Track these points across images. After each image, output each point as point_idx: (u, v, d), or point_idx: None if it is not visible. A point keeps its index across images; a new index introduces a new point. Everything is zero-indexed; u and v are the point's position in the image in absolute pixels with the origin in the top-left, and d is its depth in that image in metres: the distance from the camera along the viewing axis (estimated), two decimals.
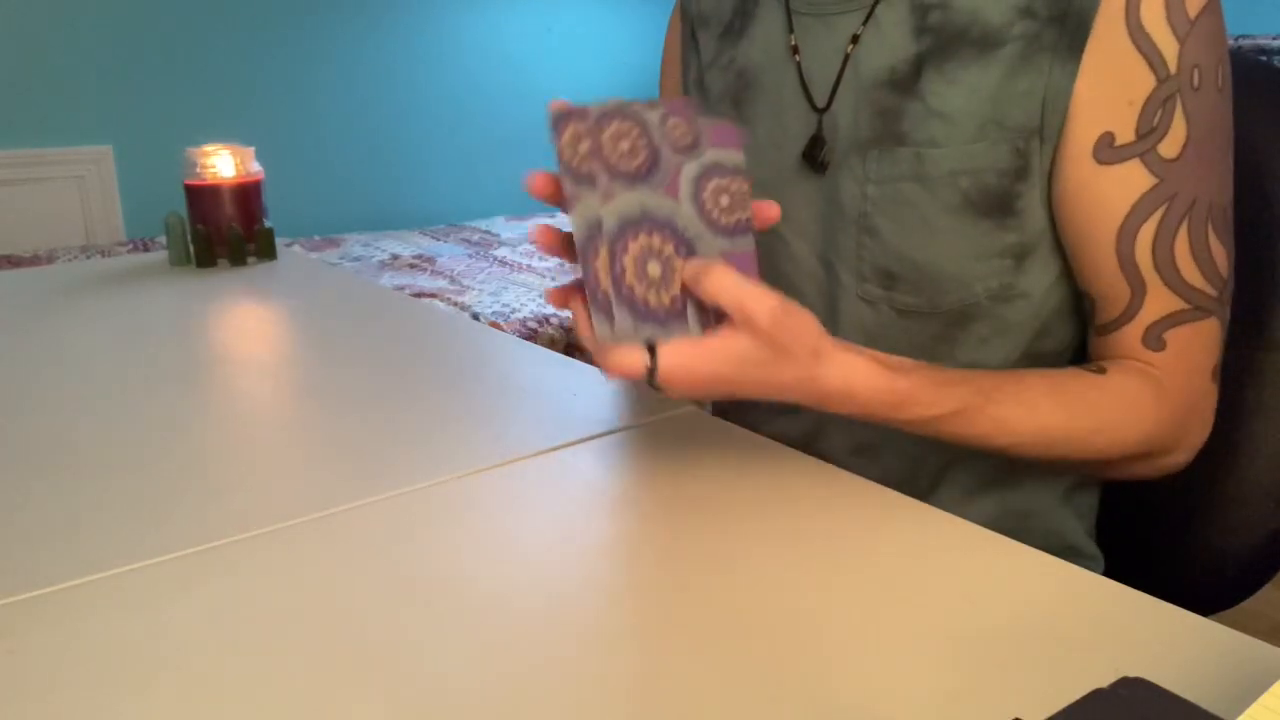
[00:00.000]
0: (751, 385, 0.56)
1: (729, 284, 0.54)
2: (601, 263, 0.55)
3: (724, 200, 0.58)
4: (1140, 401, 0.63)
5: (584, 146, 0.55)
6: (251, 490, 0.63)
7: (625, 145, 0.56)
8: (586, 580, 0.52)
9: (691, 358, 0.54)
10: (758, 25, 0.75)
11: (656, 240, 0.56)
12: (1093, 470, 0.71)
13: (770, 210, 0.60)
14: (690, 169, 0.58)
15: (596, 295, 0.54)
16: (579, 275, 0.57)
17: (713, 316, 0.56)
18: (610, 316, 0.54)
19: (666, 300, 0.55)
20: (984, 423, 0.61)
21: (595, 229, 0.55)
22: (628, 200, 0.55)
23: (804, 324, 0.55)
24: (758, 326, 0.53)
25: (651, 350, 0.54)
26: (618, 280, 0.54)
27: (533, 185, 0.56)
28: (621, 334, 0.54)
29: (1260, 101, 0.72)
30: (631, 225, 0.55)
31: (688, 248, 0.57)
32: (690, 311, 0.56)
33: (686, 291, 0.56)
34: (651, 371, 0.54)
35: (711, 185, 0.58)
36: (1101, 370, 0.64)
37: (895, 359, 0.60)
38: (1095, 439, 0.63)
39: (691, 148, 0.58)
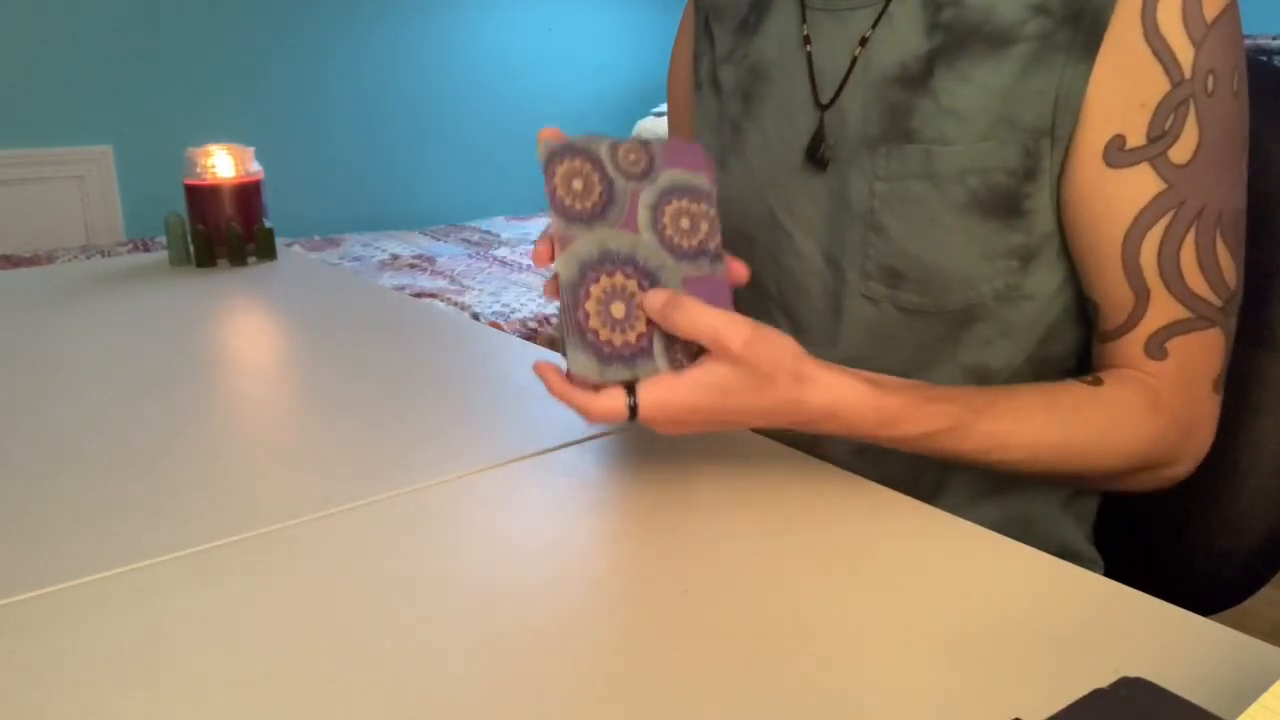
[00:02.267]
0: (735, 414, 0.55)
1: (699, 315, 0.54)
2: (565, 306, 0.54)
3: (684, 222, 0.58)
4: (1136, 414, 0.62)
5: (550, 184, 0.55)
6: (251, 490, 0.63)
7: (578, 184, 0.56)
8: (586, 580, 0.52)
9: (670, 392, 0.54)
10: (772, 20, 0.75)
11: (619, 279, 0.55)
12: (1093, 483, 0.70)
13: (740, 271, 0.60)
14: (647, 195, 0.57)
15: (569, 337, 0.54)
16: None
17: (680, 349, 0.56)
18: (582, 355, 0.54)
19: (633, 338, 0.55)
20: (976, 438, 0.60)
21: (563, 274, 0.54)
22: (585, 242, 0.55)
23: (781, 347, 0.55)
24: (733, 354, 0.53)
25: (630, 389, 0.54)
26: (581, 325, 0.54)
27: (537, 257, 0.57)
28: (588, 376, 0.54)
29: (1261, 101, 0.71)
30: (591, 267, 0.55)
31: (650, 280, 0.56)
32: (657, 347, 0.55)
33: (652, 327, 0.55)
34: (633, 410, 0.54)
35: (670, 209, 0.58)
36: (1098, 382, 0.63)
37: (883, 377, 0.59)
38: (1091, 452, 0.62)
39: (645, 173, 0.58)
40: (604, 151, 0.57)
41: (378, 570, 0.53)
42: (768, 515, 0.58)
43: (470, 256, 2.63)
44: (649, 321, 0.55)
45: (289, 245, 2.62)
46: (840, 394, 0.57)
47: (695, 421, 0.56)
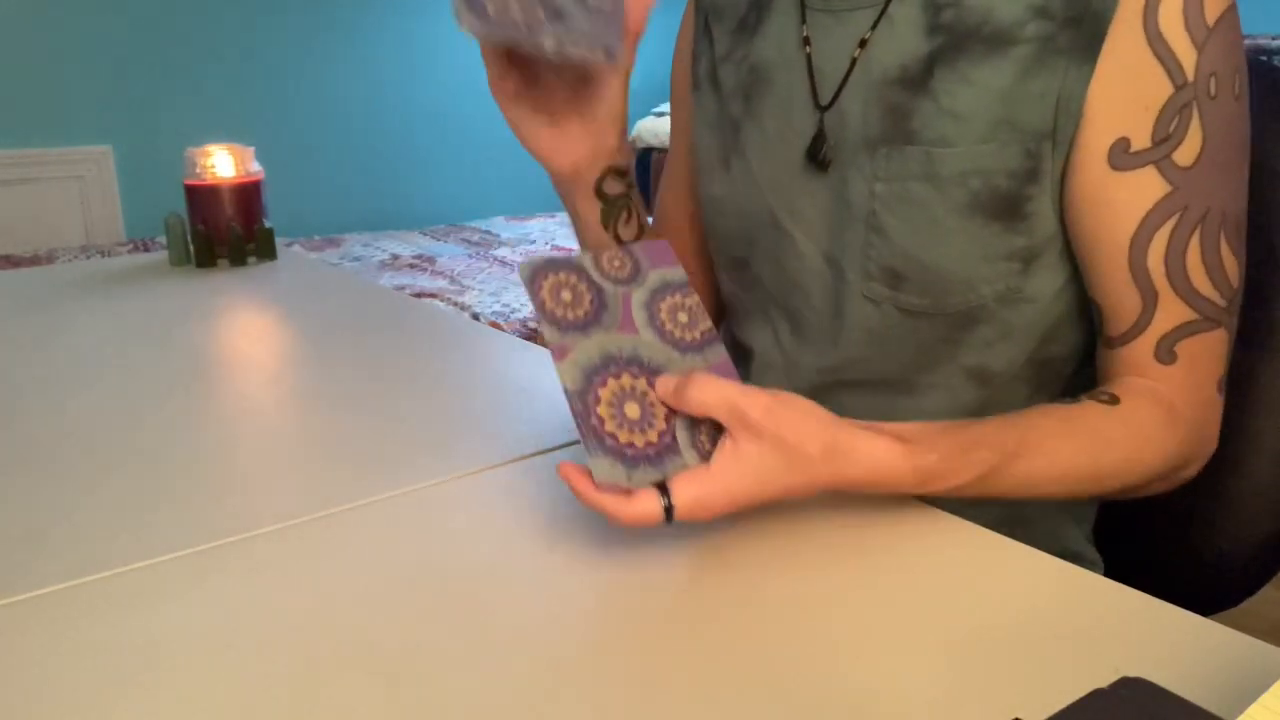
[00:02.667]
0: (776, 496, 0.54)
1: (712, 389, 0.52)
2: (577, 414, 0.53)
3: (682, 317, 0.58)
4: (1156, 429, 0.62)
5: (537, 299, 0.55)
6: (251, 490, 0.63)
7: (566, 295, 0.55)
8: (586, 580, 0.52)
9: (705, 488, 0.52)
10: (772, 21, 0.75)
11: (626, 380, 0.54)
12: (1112, 498, 0.70)
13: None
14: (639, 296, 0.57)
15: (589, 445, 0.53)
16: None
17: (705, 437, 0.54)
18: (605, 462, 0.52)
19: (654, 437, 0.54)
20: (1009, 481, 0.59)
21: (568, 384, 0.53)
22: (586, 347, 0.54)
23: (803, 411, 0.53)
24: (754, 424, 0.52)
25: (663, 489, 0.51)
26: (598, 431, 0.52)
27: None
28: (617, 482, 0.52)
29: (1261, 101, 0.71)
30: (596, 372, 0.54)
31: (657, 376, 0.55)
32: (681, 441, 0.54)
33: (671, 421, 0.54)
34: (669, 512, 0.51)
35: (666, 305, 0.58)
36: (1114, 400, 0.63)
37: (913, 430, 0.58)
38: (1117, 474, 0.62)
39: (633, 276, 0.58)
40: (587, 261, 0.57)
41: (378, 570, 0.53)
42: (767, 515, 0.58)
43: (470, 256, 2.63)
44: (668, 417, 0.54)
45: (289, 245, 2.62)
46: (878, 462, 0.55)
47: (739, 510, 0.54)
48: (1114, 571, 0.75)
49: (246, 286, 1.17)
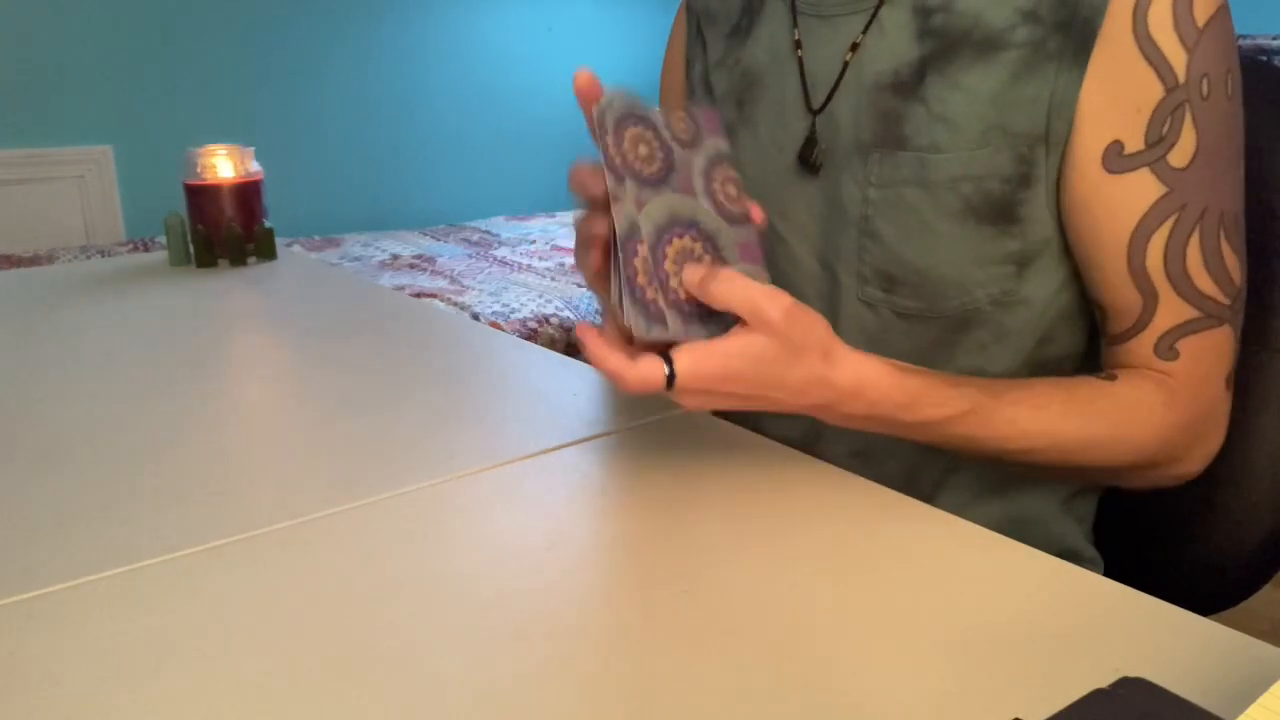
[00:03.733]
0: (764, 386, 0.56)
1: (738, 286, 0.54)
2: (642, 263, 0.55)
3: (731, 190, 0.60)
4: (1152, 409, 0.62)
5: (619, 147, 0.56)
6: (251, 490, 0.63)
7: (644, 150, 0.57)
8: (586, 580, 0.52)
9: (707, 359, 0.54)
10: (764, 25, 0.75)
11: (688, 241, 0.57)
12: (1104, 479, 0.70)
13: (756, 212, 0.61)
14: (698, 163, 0.59)
15: (635, 292, 0.55)
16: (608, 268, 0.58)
17: None
18: (652, 315, 0.55)
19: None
20: (996, 424, 0.61)
21: (635, 230, 0.55)
22: (657, 206, 0.56)
23: (816, 323, 0.56)
24: (771, 323, 0.54)
25: (667, 358, 0.54)
26: (664, 285, 0.55)
27: (578, 178, 0.57)
28: (675, 336, 0.54)
29: (1260, 102, 0.71)
30: (665, 230, 0.56)
31: (712, 244, 0.57)
32: None
33: None
34: (670, 378, 0.54)
35: (719, 176, 0.60)
36: (1112, 377, 0.64)
37: (906, 364, 0.60)
38: (1106, 445, 0.63)
39: (695, 141, 0.59)
40: (659, 119, 0.59)
41: (378, 570, 0.53)
42: (767, 515, 0.58)
43: (470, 256, 2.63)
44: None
45: (289, 245, 2.62)
46: (865, 374, 0.58)
47: (727, 392, 0.56)
48: (1114, 571, 0.75)
49: (246, 286, 1.17)
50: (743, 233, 0.59)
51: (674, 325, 0.55)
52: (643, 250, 0.55)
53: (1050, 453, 0.62)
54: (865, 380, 0.57)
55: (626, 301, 0.55)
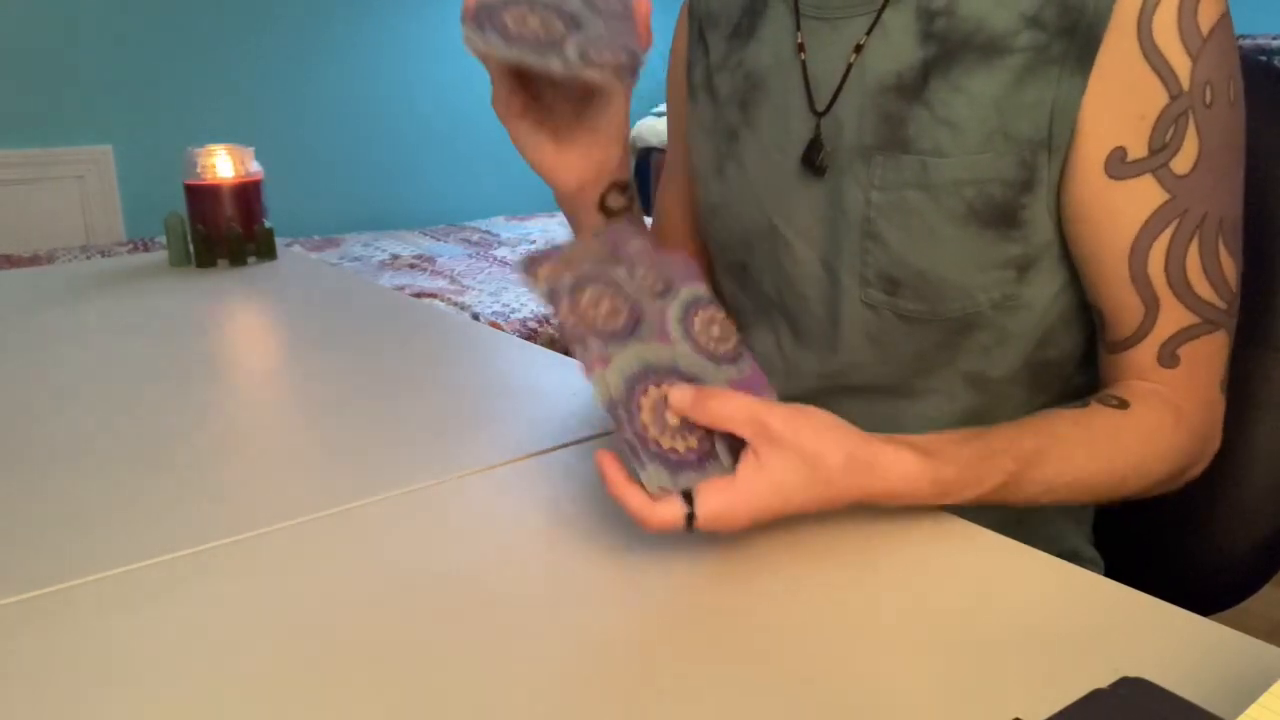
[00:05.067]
0: (798, 508, 0.54)
1: (731, 403, 0.53)
2: (620, 421, 0.53)
3: (715, 330, 0.58)
4: (1166, 433, 0.63)
5: (575, 310, 0.55)
6: (251, 490, 0.63)
7: (605, 306, 0.56)
8: (586, 580, 0.52)
9: (729, 498, 0.52)
10: (766, 27, 0.75)
11: (666, 389, 0.55)
12: (1125, 499, 0.70)
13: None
14: (673, 310, 0.58)
15: (633, 454, 0.53)
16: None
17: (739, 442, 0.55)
18: (652, 467, 0.53)
19: (694, 443, 0.54)
20: (1026, 489, 0.60)
21: (614, 391, 0.54)
22: (626, 359, 0.55)
23: (826, 425, 0.54)
24: (776, 435, 0.52)
25: (688, 497, 0.52)
26: (642, 437, 0.53)
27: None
28: (661, 487, 0.52)
29: (1260, 102, 0.71)
30: (637, 381, 0.54)
31: (672, 390, 0.55)
32: (720, 449, 0.55)
33: (712, 432, 0.54)
34: (690, 519, 0.52)
35: (699, 319, 0.58)
36: (1124, 405, 0.63)
37: (932, 442, 0.58)
38: (1130, 478, 0.62)
39: (666, 290, 0.58)
40: (621, 275, 0.57)
41: (378, 570, 0.53)
42: None
43: (470, 256, 2.63)
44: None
45: (289, 245, 2.62)
46: (899, 475, 0.55)
47: (759, 522, 0.54)
48: (1114, 571, 0.75)
49: (246, 286, 1.17)
50: (737, 371, 0.58)
51: (658, 476, 0.52)
52: (619, 410, 0.53)
53: (1080, 496, 0.62)
54: (897, 485, 0.55)
55: (633, 463, 0.53)
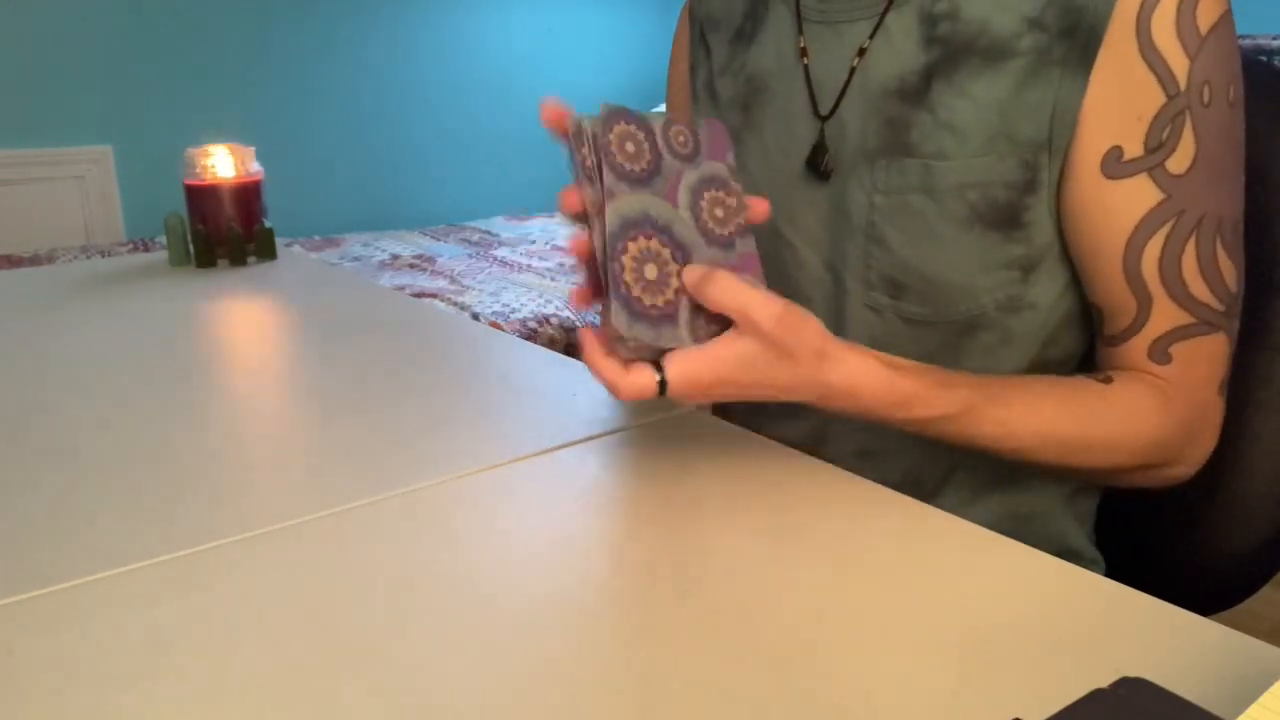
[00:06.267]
0: (756, 386, 0.56)
1: (732, 290, 0.54)
2: (603, 256, 0.56)
3: (719, 212, 0.60)
4: (1145, 411, 0.63)
5: (603, 141, 0.56)
6: (251, 490, 0.63)
7: (630, 147, 0.57)
8: (586, 580, 0.52)
9: (697, 366, 0.55)
10: (769, 30, 0.75)
11: (655, 243, 0.57)
12: (1097, 479, 0.71)
13: (760, 206, 0.60)
14: (689, 178, 0.59)
15: (618, 291, 0.55)
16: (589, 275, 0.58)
17: (704, 322, 0.57)
18: (615, 305, 0.55)
19: (660, 302, 0.56)
20: (988, 424, 0.61)
21: (609, 224, 0.56)
22: (630, 201, 0.56)
23: (808, 326, 0.56)
24: (762, 330, 0.54)
25: (658, 366, 0.55)
26: (616, 278, 0.55)
27: (562, 198, 0.58)
28: (617, 328, 0.55)
29: (1260, 102, 0.71)
30: (632, 225, 0.56)
31: (684, 254, 0.57)
32: (683, 316, 0.57)
33: (680, 296, 0.57)
34: (662, 385, 0.55)
35: (708, 197, 0.59)
36: (1108, 380, 0.64)
37: (901, 360, 0.60)
38: (1100, 446, 0.63)
39: (691, 157, 0.60)
40: (657, 126, 0.59)
41: (378, 570, 0.53)
42: (768, 515, 0.58)
43: (470, 256, 2.63)
44: (679, 290, 0.57)
45: (289, 245, 2.62)
46: (859, 374, 0.58)
47: (720, 393, 0.57)
48: (1114, 571, 0.75)
49: (246, 286, 1.17)
50: (724, 255, 0.59)
51: (617, 319, 0.55)
52: (606, 242, 0.56)
53: (1043, 452, 0.63)
54: (857, 380, 0.58)
55: (612, 303, 0.55)
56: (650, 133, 0.58)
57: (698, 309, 0.57)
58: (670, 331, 0.56)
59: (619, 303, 0.55)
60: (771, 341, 0.55)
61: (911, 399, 0.59)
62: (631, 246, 0.56)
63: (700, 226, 0.59)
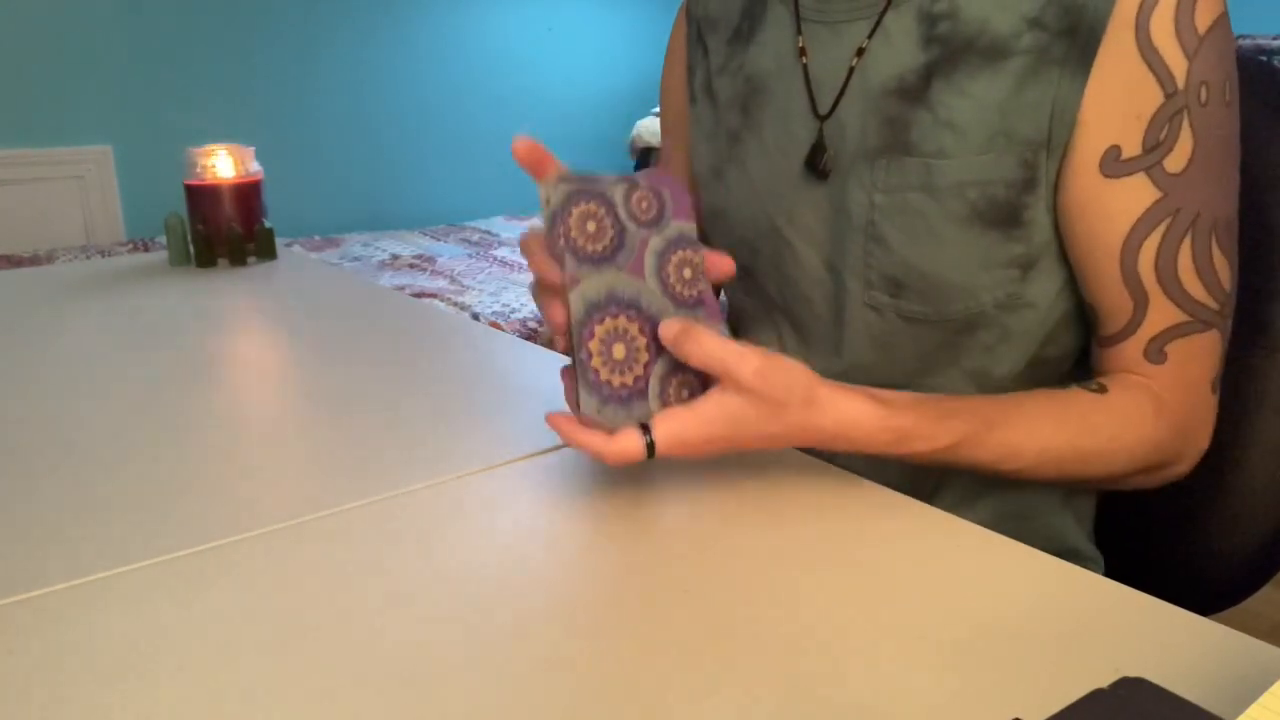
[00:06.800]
0: (748, 440, 0.56)
1: (709, 345, 0.54)
2: (577, 344, 0.56)
3: (686, 273, 0.59)
4: (1141, 419, 0.63)
5: (564, 226, 0.56)
6: (251, 491, 0.63)
7: (591, 226, 0.57)
8: (586, 581, 0.52)
9: (684, 426, 0.54)
10: (767, 30, 0.75)
11: (622, 320, 0.57)
12: (1097, 485, 0.71)
13: (725, 265, 0.60)
14: (655, 243, 0.59)
15: (586, 375, 0.56)
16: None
17: (675, 386, 0.57)
18: (584, 393, 0.56)
19: (629, 380, 0.56)
20: (987, 449, 0.60)
21: (572, 313, 0.56)
22: (593, 284, 0.56)
23: (792, 374, 0.55)
24: (744, 385, 0.54)
25: (645, 428, 0.55)
26: (584, 365, 0.55)
27: (530, 255, 0.57)
28: (587, 414, 0.55)
29: (1260, 102, 0.72)
30: (597, 309, 0.56)
31: (653, 325, 0.57)
32: (652, 387, 0.57)
33: (648, 369, 0.57)
34: (650, 447, 0.54)
35: (675, 258, 0.59)
36: (1103, 389, 0.64)
37: (894, 395, 0.59)
38: (1099, 458, 0.63)
39: (656, 220, 0.59)
40: (618, 196, 0.58)
41: (377, 570, 0.53)
42: (768, 516, 0.58)
43: (470, 256, 2.63)
44: (646, 365, 0.57)
45: (289, 245, 2.62)
46: (852, 416, 0.57)
47: (710, 450, 0.56)
48: (1114, 571, 0.75)
49: (246, 286, 1.17)
50: (692, 316, 0.59)
51: (586, 405, 0.55)
52: (572, 330, 0.56)
53: (1043, 469, 0.62)
54: (850, 423, 0.57)
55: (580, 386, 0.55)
56: (610, 206, 0.57)
57: (667, 375, 0.57)
58: (641, 406, 0.56)
59: (587, 390, 0.55)
60: (756, 395, 0.54)
61: (909, 435, 0.58)
62: (598, 330, 0.56)
63: (668, 291, 0.58)
